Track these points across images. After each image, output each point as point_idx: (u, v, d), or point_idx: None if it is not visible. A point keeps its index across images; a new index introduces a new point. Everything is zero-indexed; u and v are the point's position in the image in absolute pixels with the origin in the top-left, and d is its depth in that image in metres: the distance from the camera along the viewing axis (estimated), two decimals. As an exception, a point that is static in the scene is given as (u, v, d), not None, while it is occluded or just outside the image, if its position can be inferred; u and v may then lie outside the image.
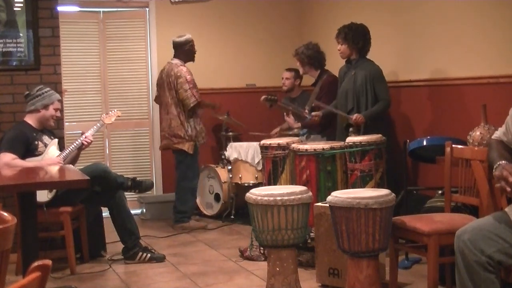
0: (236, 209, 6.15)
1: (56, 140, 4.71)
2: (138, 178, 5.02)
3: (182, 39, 5.93)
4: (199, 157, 5.98)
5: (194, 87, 5.78)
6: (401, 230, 3.49)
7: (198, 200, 6.31)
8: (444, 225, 3.34)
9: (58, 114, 4.71)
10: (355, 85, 4.96)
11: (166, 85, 5.87)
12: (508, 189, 2.66)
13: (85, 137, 4.75)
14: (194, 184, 5.97)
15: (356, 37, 4.98)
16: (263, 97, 5.38)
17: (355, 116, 4.83)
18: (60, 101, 4.75)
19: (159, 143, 6.65)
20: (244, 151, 6.01)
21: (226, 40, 6.98)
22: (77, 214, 4.71)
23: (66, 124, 5.43)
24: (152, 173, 6.77)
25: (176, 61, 5.91)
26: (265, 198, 3.54)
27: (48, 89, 4.66)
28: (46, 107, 4.61)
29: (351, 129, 4.81)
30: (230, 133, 6.52)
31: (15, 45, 4.90)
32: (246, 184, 5.95)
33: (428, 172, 5.07)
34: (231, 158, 6.10)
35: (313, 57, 5.53)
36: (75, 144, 4.70)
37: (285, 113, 5.80)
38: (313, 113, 5.28)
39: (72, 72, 6.44)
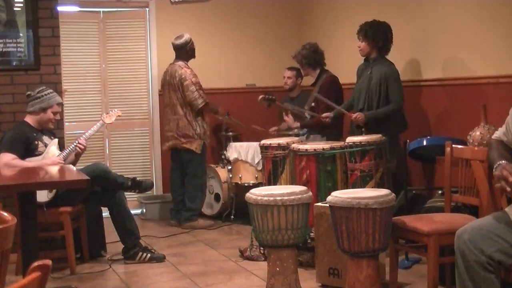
0: (236, 209, 6.15)
1: (56, 140, 4.70)
2: (138, 178, 5.03)
3: (182, 40, 5.95)
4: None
5: (200, 88, 5.84)
6: (401, 230, 3.49)
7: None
8: (444, 225, 3.34)
9: (58, 117, 4.69)
10: (369, 85, 4.91)
11: (171, 86, 5.90)
12: (508, 189, 2.66)
13: (78, 143, 4.71)
14: (203, 182, 6.04)
15: (377, 36, 4.89)
16: (260, 96, 5.37)
17: (354, 115, 4.82)
18: (61, 104, 4.71)
19: (159, 143, 6.66)
20: (244, 151, 6.01)
21: (226, 40, 6.98)
22: (77, 214, 4.71)
23: (66, 124, 5.43)
24: (152, 173, 6.77)
25: (179, 62, 5.93)
26: (265, 198, 3.54)
27: (49, 91, 4.62)
28: (44, 110, 4.58)
29: (363, 129, 4.79)
30: (230, 133, 6.52)
31: (15, 45, 4.90)
32: (246, 184, 5.95)
33: (428, 172, 5.07)
34: (231, 158, 6.10)
35: (308, 56, 5.50)
36: (75, 144, 4.70)
37: (284, 113, 5.80)
38: (324, 114, 5.21)
39: (72, 72, 6.44)
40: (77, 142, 4.71)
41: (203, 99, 5.81)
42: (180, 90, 5.83)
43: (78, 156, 4.79)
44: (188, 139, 5.85)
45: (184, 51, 5.95)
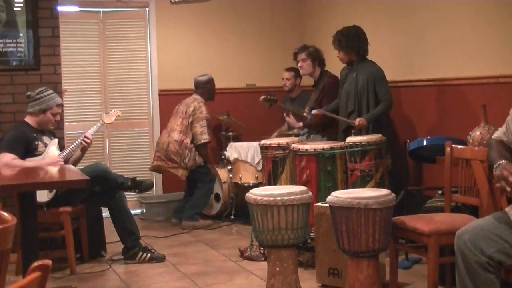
0: (236, 209, 6.15)
1: (56, 140, 4.70)
2: (138, 178, 5.04)
3: (205, 78, 6.12)
4: None
5: (209, 127, 6.01)
6: (401, 230, 3.49)
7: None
8: (444, 225, 3.34)
9: (58, 118, 4.68)
10: (357, 87, 4.94)
11: (180, 113, 6.00)
12: (508, 189, 2.66)
13: (84, 137, 4.76)
14: (212, 184, 6.10)
15: (350, 42, 4.96)
16: (262, 97, 5.37)
17: (357, 120, 4.82)
18: (60, 105, 4.69)
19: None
20: (244, 151, 6.01)
21: (226, 40, 6.98)
22: (77, 214, 4.71)
23: (66, 124, 5.43)
24: (152, 173, 6.77)
25: (198, 97, 6.07)
26: (265, 198, 3.54)
27: (48, 92, 4.61)
28: (44, 112, 4.58)
29: (353, 131, 4.80)
30: (230, 133, 6.52)
31: (15, 45, 4.89)
32: (246, 184, 5.94)
33: (428, 172, 5.07)
34: (231, 158, 6.10)
35: (315, 52, 5.53)
36: (75, 144, 4.70)
37: (285, 113, 5.80)
38: (313, 112, 5.26)
39: (72, 72, 6.44)
40: (81, 138, 4.73)
41: (207, 136, 5.95)
42: (189, 119, 5.93)
43: (84, 150, 4.81)
44: (175, 164, 5.94)
45: (205, 89, 6.09)
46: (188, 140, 5.91)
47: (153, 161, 6.09)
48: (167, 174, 6.43)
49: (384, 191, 3.44)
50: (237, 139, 6.51)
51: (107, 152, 6.70)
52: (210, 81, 6.13)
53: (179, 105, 6.10)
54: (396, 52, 5.49)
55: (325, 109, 5.24)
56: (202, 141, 5.93)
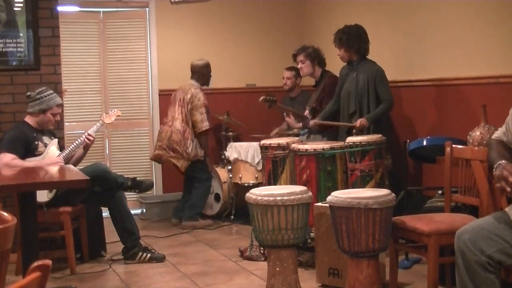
0: (236, 209, 6.15)
1: (56, 140, 4.70)
2: (138, 178, 5.04)
3: (202, 62, 6.10)
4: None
5: (208, 113, 5.96)
6: (401, 230, 3.49)
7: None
8: (444, 225, 3.34)
9: (58, 118, 4.68)
10: (357, 87, 4.95)
11: (178, 101, 5.97)
12: (508, 189, 2.66)
13: (88, 135, 4.76)
14: (210, 183, 6.11)
15: (351, 40, 4.97)
16: (261, 97, 5.38)
17: (358, 121, 4.81)
18: (60, 105, 4.70)
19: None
20: (244, 151, 6.02)
21: (226, 40, 6.98)
22: (77, 214, 4.71)
23: (66, 124, 5.43)
24: (152, 173, 6.77)
25: (194, 82, 6.04)
26: (265, 198, 3.54)
27: (48, 92, 4.61)
28: (44, 112, 4.58)
29: (354, 131, 4.80)
30: (230, 133, 6.52)
31: (15, 45, 4.89)
32: (246, 184, 5.95)
33: (428, 172, 5.07)
34: (231, 158, 6.10)
35: (314, 53, 5.55)
36: (75, 144, 4.70)
37: (285, 114, 5.80)
38: (311, 123, 5.27)
39: (72, 72, 6.44)
40: (84, 136, 4.74)
41: (207, 123, 5.91)
42: (188, 107, 5.90)
43: (86, 149, 4.82)
44: (176, 154, 5.91)
45: (201, 74, 6.06)
46: (190, 130, 5.90)
47: (154, 151, 6.07)
48: (167, 174, 6.45)
49: (384, 191, 3.44)
50: (237, 139, 6.51)
51: (107, 152, 6.70)
52: (207, 66, 6.11)
53: (176, 92, 6.07)
54: (396, 52, 5.49)
55: (322, 114, 5.25)
56: (203, 129, 5.90)
